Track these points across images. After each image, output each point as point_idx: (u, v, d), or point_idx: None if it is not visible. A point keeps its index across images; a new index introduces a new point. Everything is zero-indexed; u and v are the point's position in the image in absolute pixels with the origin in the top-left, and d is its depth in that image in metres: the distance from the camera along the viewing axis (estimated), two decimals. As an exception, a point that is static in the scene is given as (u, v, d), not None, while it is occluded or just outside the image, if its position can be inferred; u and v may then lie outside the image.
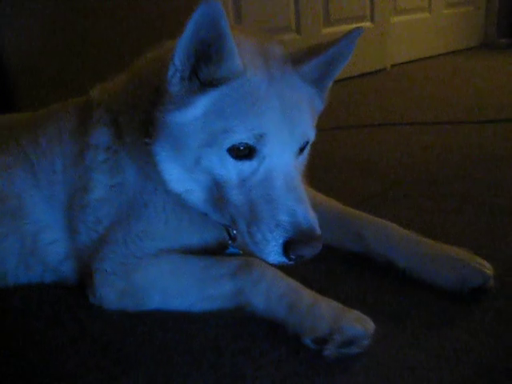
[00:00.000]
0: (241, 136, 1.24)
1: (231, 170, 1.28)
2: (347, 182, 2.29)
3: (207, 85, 1.26)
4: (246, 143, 1.25)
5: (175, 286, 1.47)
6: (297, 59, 1.36)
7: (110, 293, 1.50)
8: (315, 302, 1.36)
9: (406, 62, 4.72)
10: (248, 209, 1.27)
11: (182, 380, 1.25)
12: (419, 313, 1.45)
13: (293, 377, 1.25)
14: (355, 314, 1.33)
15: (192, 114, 1.28)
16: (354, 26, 1.41)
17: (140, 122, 1.43)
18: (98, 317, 1.49)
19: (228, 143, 1.25)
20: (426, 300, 1.49)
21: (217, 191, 1.33)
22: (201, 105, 1.27)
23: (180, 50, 1.23)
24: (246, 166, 1.28)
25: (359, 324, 1.29)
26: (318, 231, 1.24)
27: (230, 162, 1.28)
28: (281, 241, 1.22)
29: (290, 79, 1.33)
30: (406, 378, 1.22)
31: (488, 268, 1.50)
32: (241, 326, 1.42)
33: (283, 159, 1.28)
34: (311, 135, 1.38)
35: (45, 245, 1.62)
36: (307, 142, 1.38)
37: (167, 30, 1.31)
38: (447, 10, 5.06)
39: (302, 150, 1.36)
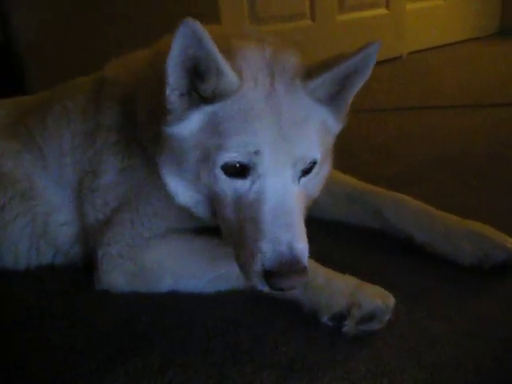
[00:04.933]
0: (233, 154, 1.17)
1: (225, 188, 1.21)
2: (363, 164, 2.23)
3: (207, 100, 1.20)
4: (240, 161, 1.18)
5: (187, 267, 1.43)
6: (310, 72, 1.22)
7: (118, 277, 1.46)
8: (331, 278, 1.31)
9: (423, 50, 4.63)
10: (238, 230, 1.20)
11: (199, 359, 1.21)
12: (441, 288, 1.40)
13: (312, 353, 1.20)
14: (374, 288, 1.28)
15: (188, 129, 1.22)
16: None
17: (152, 124, 1.35)
18: (107, 295, 1.45)
19: (221, 160, 1.18)
20: (447, 276, 1.44)
21: (216, 206, 1.27)
22: (196, 120, 1.21)
23: (170, 71, 1.16)
24: (240, 184, 1.20)
25: (379, 298, 1.24)
26: (303, 263, 1.14)
27: (224, 179, 1.20)
28: (261, 269, 1.13)
29: (294, 95, 1.21)
30: (431, 353, 1.17)
31: (511, 243, 1.43)
32: (257, 305, 1.37)
33: (278, 181, 1.18)
34: (316, 156, 1.24)
35: (55, 227, 1.59)
36: (314, 163, 1.25)
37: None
38: (463, -4, 4.97)
39: (306, 171, 1.25)
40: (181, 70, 1.16)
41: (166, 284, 1.44)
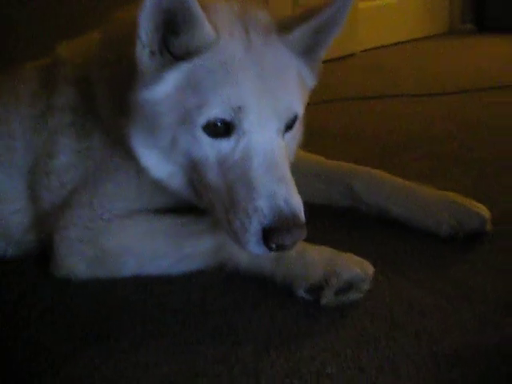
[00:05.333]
0: (216, 110, 1.10)
1: (208, 150, 1.13)
2: (324, 149, 2.18)
3: (180, 58, 1.13)
4: (223, 118, 1.11)
5: (151, 248, 1.33)
6: (283, 26, 1.20)
7: (77, 262, 1.35)
8: (304, 250, 1.24)
9: (375, 48, 4.68)
10: (226, 193, 1.12)
11: (171, 339, 1.12)
12: (417, 258, 1.37)
13: (290, 326, 1.13)
14: (351, 256, 1.22)
15: (163, 91, 1.13)
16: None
17: (115, 94, 1.28)
18: (67, 285, 1.34)
19: (203, 119, 1.11)
20: (422, 246, 1.41)
21: (195, 173, 1.18)
22: (172, 80, 1.13)
23: (144, 23, 1.08)
24: (224, 144, 1.13)
25: (357, 266, 1.18)
26: (302, 218, 1.09)
27: (206, 140, 1.13)
28: (259, 228, 1.06)
29: (272, 47, 1.17)
30: (416, 320, 1.12)
31: (484, 210, 1.41)
32: (226, 283, 1.30)
33: (264, 135, 1.12)
34: (298, 109, 1.20)
35: (7, 215, 1.47)
36: (295, 118, 1.21)
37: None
38: (413, -4, 5.06)
39: (289, 127, 1.20)
40: (154, 23, 1.08)
41: (129, 267, 1.34)
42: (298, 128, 1.27)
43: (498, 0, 5.13)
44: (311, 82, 1.30)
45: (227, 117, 1.10)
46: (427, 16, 5.19)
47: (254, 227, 1.06)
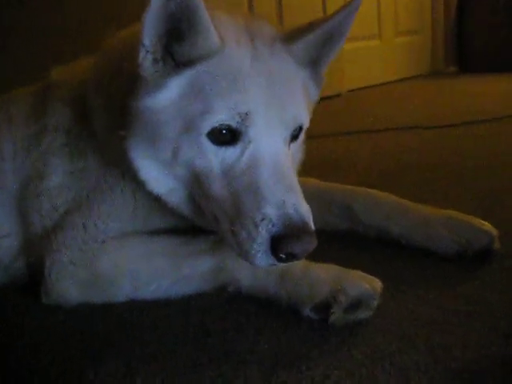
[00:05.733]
0: (221, 116, 1.07)
1: (212, 159, 1.09)
2: (330, 178, 2.17)
3: (183, 65, 1.10)
4: (228, 125, 1.07)
5: (147, 269, 1.27)
6: (288, 37, 1.19)
7: (70, 287, 1.28)
8: (309, 267, 1.20)
9: (360, 88, 4.74)
10: (231, 203, 1.08)
11: (171, 362, 1.05)
12: (422, 275, 1.32)
13: (298, 347, 1.07)
14: (358, 273, 1.17)
15: (166, 98, 1.10)
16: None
17: (112, 111, 1.25)
18: (57, 310, 1.27)
19: (207, 126, 1.07)
20: (426, 265, 1.37)
21: (198, 186, 1.14)
22: (175, 86, 1.10)
23: (148, 28, 1.06)
24: (229, 152, 1.09)
25: (365, 282, 1.13)
26: (312, 226, 1.05)
27: (211, 148, 1.09)
28: (267, 237, 1.02)
29: (278, 56, 1.15)
30: (428, 335, 1.07)
31: (491, 228, 1.38)
32: (227, 305, 1.24)
33: (271, 144, 1.09)
34: (304, 119, 1.18)
35: (-5, 240, 1.40)
36: (300, 128, 1.18)
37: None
38: (397, 39, 5.16)
39: (294, 137, 1.18)
40: (158, 28, 1.06)
41: (124, 291, 1.28)
42: (301, 141, 1.25)
43: (479, 43, 5.27)
44: (315, 94, 1.29)
45: (233, 123, 1.07)
46: (411, 57, 5.31)
47: (262, 236, 1.02)
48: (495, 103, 3.59)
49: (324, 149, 2.70)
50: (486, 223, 1.39)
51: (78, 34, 1.45)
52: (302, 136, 1.22)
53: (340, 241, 1.51)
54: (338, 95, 4.42)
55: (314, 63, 1.24)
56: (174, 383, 0.99)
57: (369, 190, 1.54)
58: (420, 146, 2.67)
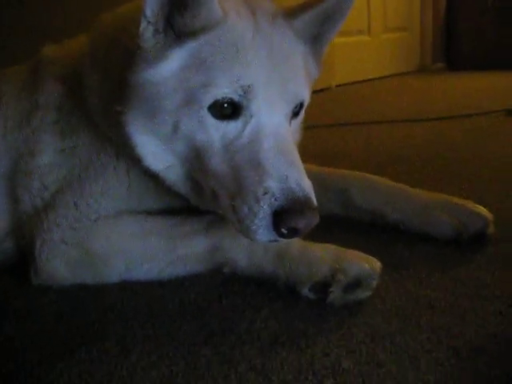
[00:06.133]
0: (224, 90, 1.04)
1: (213, 133, 1.07)
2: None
3: (184, 37, 1.07)
4: (230, 98, 1.04)
5: (141, 249, 1.24)
6: (289, 13, 1.17)
7: (61, 266, 1.25)
8: (307, 247, 1.18)
9: (350, 83, 4.74)
10: (232, 178, 1.05)
11: (167, 342, 1.02)
12: (420, 258, 1.31)
13: (297, 326, 1.05)
14: (357, 253, 1.15)
15: (167, 70, 1.07)
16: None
17: (109, 86, 1.21)
18: (47, 291, 1.23)
19: (209, 99, 1.04)
20: (423, 248, 1.36)
21: (197, 162, 1.11)
22: (177, 58, 1.06)
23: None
24: (231, 127, 1.06)
25: (364, 262, 1.11)
26: (314, 202, 1.03)
27: (212, 122, 1.06)
28: (269, 211, 0.99)
29: (280, 31, 1.13)
30: (430, 316, 1.05)
31: (486, 212, 1.37)
32: (222, 287, 1.21)
33: (273, 119, 1.07)
34: (305, 96, 1.16)
35: (-17, 220, 1.36)
36: (301, 104, 1.17)
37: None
38: (385, 35, 5.17)
39: (295, 114, 1.16)
40: None
41: (117, 271, 1.24)
42: (301, 120, 1.23)
43: (467, 41, 5.30)
44: (315, 72, 1.26)
45: (235, 96, 1.04)
46: (399, 54, 5.33)
47: (264, 211, 0.99)
48: (483, 99, 3.61)
49: (318, 139, 2.68)
50: (481, 207, 1.38)
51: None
52: (302, 113, 1.20)
53: (336, 226, 1.48)
54: (328, 89, 4.41)
55: (314, 40, 1.22)
56: (170, 361, 0.96)
57: (366, 174, 1.52)
58: (411, 139, 2.67)
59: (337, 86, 4.59)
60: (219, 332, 1.04)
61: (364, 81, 4.91)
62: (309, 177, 1.49)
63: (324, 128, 2.94)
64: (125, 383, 0.91)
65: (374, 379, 0.88)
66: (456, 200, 1.40)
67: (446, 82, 4.70)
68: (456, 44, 5.45)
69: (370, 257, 1.14)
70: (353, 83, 4.81)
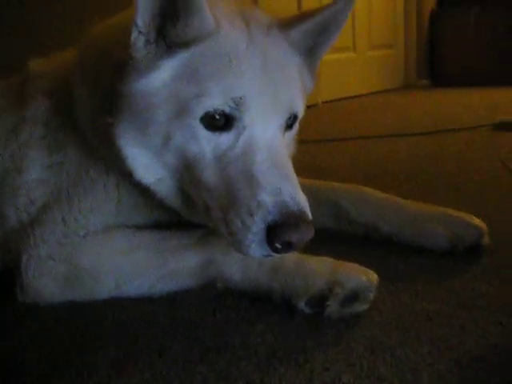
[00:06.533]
0: (215, 101, 1.02)
1: (205, 145, 1.04)
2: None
3: (176, 47, 1.05)
4: (223, 110, 1.02)
5: (131, 264, 1.21)
6: (284, 25, 1.15)
7: (48, 284, 1.21)
8: (303, 260, 1.16)
9: (336, 100, 4.76)
10: (224, 191, 1.03)
11: (160, 360, 0.99)
12: (415, 271, 1.29)
13: (294, 340, 1.02)
14: (353, 265, 1.13)
15: (158, 80, 1.05)
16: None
17: (99, 99, 1.19)
18: (33, 310, 1.19)
19: (201, 110, 1.02)
20: (417, 260, 1.34)
21: (188, 174, 1.09)
22: (168, 68, 1.05)
23: (141, 9, 1.02)
24: (223, 138, 1.04)
25: (361, 274, 1.09)
26: (309, 215, 1.01)
27: (204, 134, 1.04)
28: (263, 225, 0.97)
29: (274, 42, 1.11)
30: (429, 328, 1.04)
31: (480, 223, 1.36)
32: (214, 302, 1.18)
33: (267, 130, 1.05)
34: (300, 107, 1.14)
35: (-32, 236, 1.32)
36: (295, 116, 1.15)
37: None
38: (371, 52, 5.21)
39: (289, 126, 1.14)
40: (152, 7, 1.01)
41: (106, 287, 1.21)
42: (295, 133, 1.21)
43: (450, 57, 5.37)
44: (310, 84, 1.25)
45: (226, 108, 1.02)
46: (384, 71, 5.37)
47: (258, 225, 0.97)
48: (468, 114, 3.64)
49: (306, 154, 2.67)
50: (476, 218, 1.37)
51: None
52: (296, 126, 1.19)
53: (329, 239, 1.46)
54: (315, 105, 4.42)
55: (309, 52, 1.20)
56: (164, 379, 0.93)
57: (358, 186, 1.51)
58: (397, 154, 2.67)
59: (323, 102, 4.60)
60: (214, 348, 1.01)
61: (350, 97, 4.93)
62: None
63: (312, 143, 2.93)
64: (117, 403, 0.87)
65: (375, 394, 0.85)
66: (450, 211, 1.39)
67: (431, 99, 4.74)
68: (440, 61, 5.50)
69: (367, 269, 1.12)
70: (339, 100, 4.83)
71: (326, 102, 4.65)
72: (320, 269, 1.11)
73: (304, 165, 2.37)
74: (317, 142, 3.01)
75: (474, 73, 5.19)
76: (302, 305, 1.10)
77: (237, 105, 1.02)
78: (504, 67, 5.02)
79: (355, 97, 4.98)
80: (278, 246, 0.97)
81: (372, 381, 0.88)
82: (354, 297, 1.07)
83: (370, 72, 5.19)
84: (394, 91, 5.38)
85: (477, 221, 1.36)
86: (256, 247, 0.98)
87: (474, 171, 2.19)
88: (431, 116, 3.73)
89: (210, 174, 1.05)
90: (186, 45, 1.04)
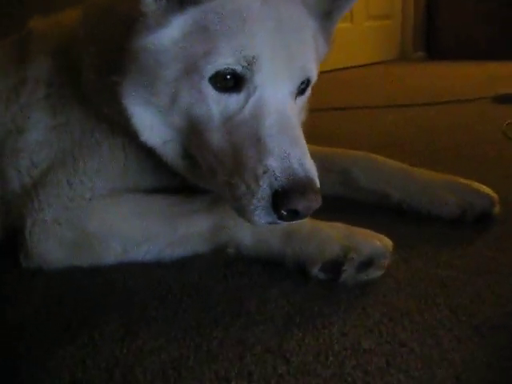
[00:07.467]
0: (226, 59, 0.97)
1: (213, 106, 1.00)
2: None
3: (187, 3, 1.00)
4: (233, 70, 0.98)
5: (139, 229, 1.18)
6: None
7: (54, 248, 1.18)
8: (317, 226, 1.13)
9: (331, 70, 4.70)
10: (230, 155, 0.99)
11: (174, 324, 0.97)
12: (427, 239, 1.27)
13: (310, 306, 1.00)
14: (368, 231, 1.11)
15: (168, 37, 1.00)
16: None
17: (105, 57, 1.14)
18: (39, 274, 1.17)
19: (211, 69, 0.98)
20: (429, 229, 1.32)
21: (195, 137, 1.05)
22: (179, 24, 1.00)
23: None
24: (232, 100, 1.00)
25: (376, 240, 1.07)
26: (317, 183, 0.97)
27: (212, 94, 1.00)
28: (269, 191, 0.93)
29: (290, 3, 1.06)
30: (446, 294, 1.03)
31: (491, 192, 1.35)
32: (225, 268, 1.16)
33: (277, 94, 1.00)
34: (313, 72, 1.09)
35: (-31, 200, 1.28)
36: (308, 81, 1.10)
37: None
38: (368, 23, 5.14)
39: (301, 91, 1.09)
40: None
41: (113, 252, 1.18)
42: (306, 99, 1.17)
43: (447, 30, 5.31)
44: (324, 50, 1.20)
45: (238, 68, 0.98)
46: (381, 42, 5.30)
47: (263, 190, 0.93)
48: (467, 87, 3.61)
49: (305, 123, 2.63)
50: (487, 187, 1.36)
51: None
52: (308, 91, 1.15)
53: (339, 207, 1.43)
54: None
55: (325, 16, 1.15)
56: (179, 344, 0.91)
57: (368, 153, 1.48)
58: (400, 125, 2.64)
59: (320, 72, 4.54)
60: (228, 313, 0.99)
61: (346, 68, 4.87)
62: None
63: (310, 112, 2.90)
64: (132, 368, 0.86)
65: (397, 359, 0.84)
66: (461, 180, 1.37)
67: (428, 71, 4.70)
68: (437, 33, 5.44)
69: (382, 235, 1.10)
70: (335, 70, 4.77)
71: (323, 72, 4.60)
72: (334, 234, 1.09)
73: (306, 133, 2.36)
74: (318, 110, 2.97)
75: (471, 46, 5.14)
76: (315, 271, 1.08)
77: (249, 64, 0.98)
78: (503, 41, 4.97)
79: (352, 67, 4.92)
80: (284, 213, 0.93)
81: (393, 346, 0.87)
82: (368, 263, 1.06)
83: (366, 43, 5.12)
84: (390, 62, 5.32)
85: (488, 190, 1.34)
86: (260, 214, 0.94)
87: (479, 143, 2.17)
88: (430, 88, 3.70)
89: (216, 137, 1.01)
90: (197, 1, 1.00)
